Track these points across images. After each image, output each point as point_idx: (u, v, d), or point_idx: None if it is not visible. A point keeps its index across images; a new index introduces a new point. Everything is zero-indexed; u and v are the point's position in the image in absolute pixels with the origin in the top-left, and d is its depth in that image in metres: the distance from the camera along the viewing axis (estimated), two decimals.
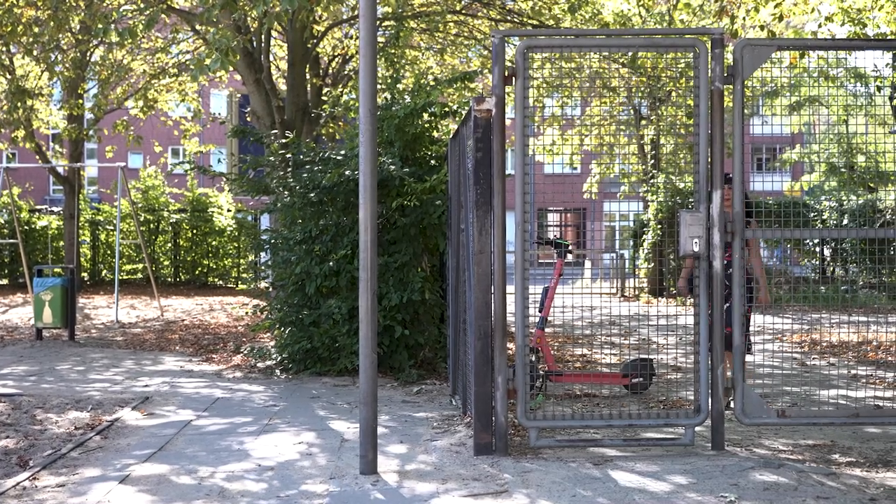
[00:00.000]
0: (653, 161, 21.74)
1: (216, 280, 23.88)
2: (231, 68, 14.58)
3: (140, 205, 22.84)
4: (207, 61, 8.40)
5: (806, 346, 11.06)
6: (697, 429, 5.70)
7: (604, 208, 23.82)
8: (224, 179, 11.42)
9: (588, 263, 18.08)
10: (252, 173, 10.92)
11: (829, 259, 20.35)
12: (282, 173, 9.57)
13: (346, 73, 16.63)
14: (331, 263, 8.75)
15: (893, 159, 11.67)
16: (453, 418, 6.65)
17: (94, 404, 7.23)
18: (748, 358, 6.29)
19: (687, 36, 5.94)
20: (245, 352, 9.99)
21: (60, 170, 20.46)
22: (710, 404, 5.60)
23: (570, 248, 7.73)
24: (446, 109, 9.10)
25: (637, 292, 19.72)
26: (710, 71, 5.54)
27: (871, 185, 21.36)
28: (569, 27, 14.72)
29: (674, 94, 19.23)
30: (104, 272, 23.47)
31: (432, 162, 9.12)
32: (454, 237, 7.28)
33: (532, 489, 4.76)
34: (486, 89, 16.95)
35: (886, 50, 11.02)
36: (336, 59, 16.90)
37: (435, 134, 9.37)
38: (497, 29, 13.58)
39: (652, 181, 20.47)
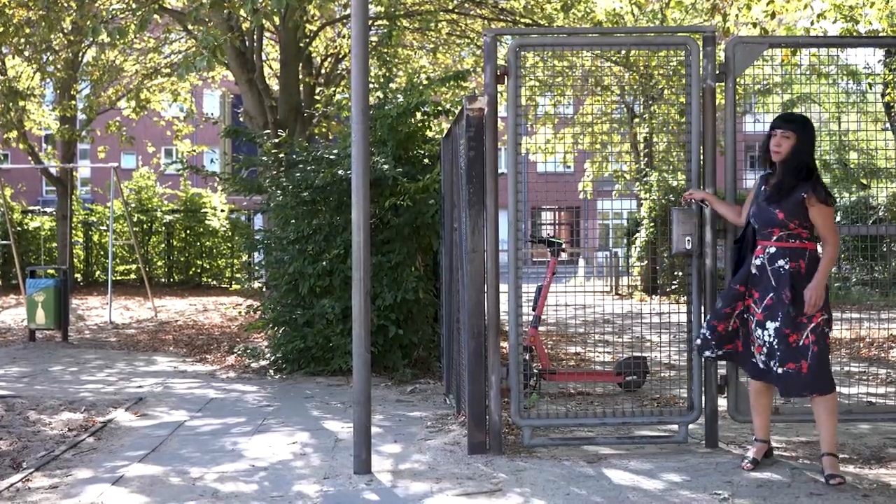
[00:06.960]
0: (646, 159, 21.76)
1: (210, 280, 23.83)
2: (220, 67, 14.55)
3: (133, 205, 22.79)
4: (196, 59, 8.40)
5: None
6: (691, 426, 5.71)
7: (597, 206, 23.86)
8: (217, 179, 11.43)
9: (582, 262, 18.09)
10: (245, 173, 10.90)
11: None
12: (275, 173, 9.56)
13: (338, 72, 16.62)
14: (324, 263, 8.74)
15: (885, 156, 11.69)
16: (447, 417, 6.65)
17: (88, 405, 7.22)
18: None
19: (680, 34, 5.95)
20: (239, 352, 9.97)
21: (53, 170, 20.41)
22: (703, 402, 5.61)
23: (563, 246, 7.73)
24: (439, 108, 9.10)
25: (631, 290, 19.75)
26: (701, 69, 5.55)
27: (864, 181, 21.40)
28: (561, 26, 14.72)
29: (666, 91, 19.25)
30: (97, 273, 23.41)
31: (425, 161, 9.10)
32: (448, 236, 7.28)
33: (526, 488, 4.76)
34: (480, 88, 16.93)
35: (877, 47, 11.05)
36: (329, 59, 16.89)
37: (428, 133, 9.35)
38: (489, 28, 13.56)
39: (645, 179, 20.51)
